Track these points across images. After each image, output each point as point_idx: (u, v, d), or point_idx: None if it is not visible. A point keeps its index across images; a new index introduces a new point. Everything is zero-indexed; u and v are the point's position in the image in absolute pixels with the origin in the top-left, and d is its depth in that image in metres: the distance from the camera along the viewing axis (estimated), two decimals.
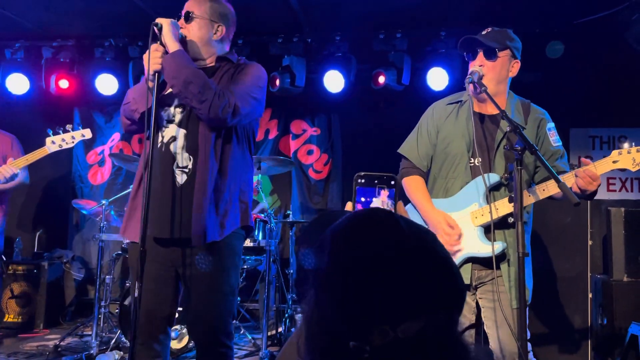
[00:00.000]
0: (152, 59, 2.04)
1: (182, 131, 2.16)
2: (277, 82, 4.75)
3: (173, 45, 2.09)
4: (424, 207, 2.30)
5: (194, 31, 2.22)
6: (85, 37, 5.01)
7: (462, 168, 2.28)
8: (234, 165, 2.20)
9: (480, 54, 2.26)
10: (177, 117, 2.18)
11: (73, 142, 2.97)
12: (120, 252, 4.24)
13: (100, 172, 5.60)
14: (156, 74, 2.05)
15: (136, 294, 1.93)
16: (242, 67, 2.27)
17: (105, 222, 4.07)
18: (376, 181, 0.93)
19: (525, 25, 4.30)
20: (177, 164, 2.15)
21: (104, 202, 4.11)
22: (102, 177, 5.58)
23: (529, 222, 2.35)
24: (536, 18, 4.30)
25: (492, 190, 2.23)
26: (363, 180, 0.92)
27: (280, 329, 4.27)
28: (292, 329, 4.30)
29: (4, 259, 4.82)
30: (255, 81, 2.24)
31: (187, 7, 2.26)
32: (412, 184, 2.41)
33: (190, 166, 2.14)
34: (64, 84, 5.00)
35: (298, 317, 4.34)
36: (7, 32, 4.90)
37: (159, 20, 2.10)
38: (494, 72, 2.25)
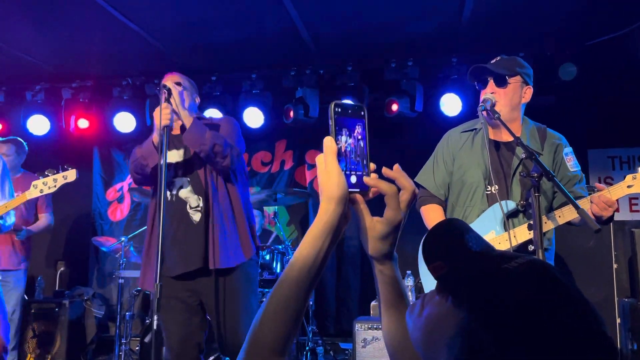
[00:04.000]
0: (163, 116, 2.32)
1: (186, 179, 2.51)
2: (291, 113, 4.80)
3: (185, 114, 2.42)
4: None
5: (184, 96, 2.55)
6: (103, 77, 5.14)
7: (478, 196, 2.27)
8: (237, 196, 2.54)
9: (491, 82, 2.27)
10: (182, 167, 2.52)
11: (55, 186, 2.70)
12: (140, 288, 4.25)
13: (119, 208, 5.66)
14: (165, 128, 2.30)
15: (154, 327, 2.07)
16: (220, 123, 2.64)
17: (124, 259, 4.10)
18: (350, 111, 0.88)
19: (537, 48, 4.31)
20: (190, 205, 2.48)
21: (123, 238, 4.15)
22: (121, 214, 5.64)
23: (551, 248, 2.31)
24: (548, 41, 4.30)
25: (510, 218, 2.20)
26: (340, 110, 0.87)
27: None
28: None
29: (26, 298, 4.87)
30: (238, 132, 2.66)
31: (173, 78, 2.61)
32: (430, 213, 2.40)
33: (201, 204, 2.47)
34: (83, 123, 5.10)
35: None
36: (27, 76, 5.05)
37: (167, 84, 2.43)
38: (506, 98, 2.25)
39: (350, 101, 0.89)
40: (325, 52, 4.64)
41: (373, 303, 4.00)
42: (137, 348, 3.89)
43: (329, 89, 4.90)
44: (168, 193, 2.49)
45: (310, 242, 0.84)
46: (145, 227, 4.32)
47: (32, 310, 4.70)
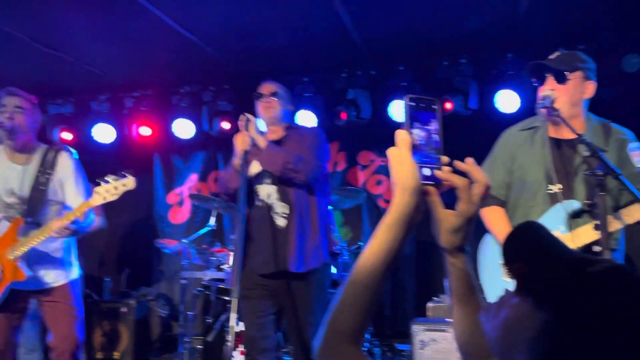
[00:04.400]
0: (243, 142, 2.64)
1: (274, 187, 2.74)
2: (343, 115, 4.83)
3: (261, 139, 2.67)
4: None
5: (277, 105, 2.85)
6: (162, 86, 5.34)
7: (540, 196, 2.21)
8: (315, 204, 2.76)
9: (550, 78, 2.20)
10: (269, 177, 2.75)
11: (117, 193, 2.66)
12: (201, 288, 4.39)
13: (180, 212, 5.87)
14: (245, 152, 2.63)
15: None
16: (305, 133, 2.88)
17: (187, 261, 4.25)
18: (422, 104, 0.89)
19: (598, 40, 4.14)
20: (276, 212, 2.72)
21: (184, 241, 4.30)
22: (182, 217, 5.84)
23: (619, 248, 2.22)
24: (609, 32, 4.12)
25: (574, 218, 2.13)
26: (414, 103, 0.88)
27: None
28: None
29: (95, 298, 5.13)
30: (320, 143, 2.85)
31: (270, 87, 2.87)
32: (491, 215, 2.36)
33: (287, 211, 2.70)
34: (145, 130, 5.32)
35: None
36: (93, 87, 5.33)
37: (247, 115, 2.70)
38: (567, 95, 2.18)
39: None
40: (376, 53, 4.64)
41: (429, 304, 3.96)
42: (200, 346, 4.02)
43: (380, 89, 4.89)
44: (256, 198, 2.78)
45: (384, 232, 0.86)
46: (205, 229, 4.51)
47: (101, 310, 4.95)
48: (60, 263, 2.86)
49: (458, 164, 0.91)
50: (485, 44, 4.38)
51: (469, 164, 0.91)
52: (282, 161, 2.64)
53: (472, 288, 0.96)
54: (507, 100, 4.41)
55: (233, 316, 2.22)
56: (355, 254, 4.72)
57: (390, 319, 5.13)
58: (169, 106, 5.32)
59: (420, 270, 5.11)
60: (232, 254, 4.10)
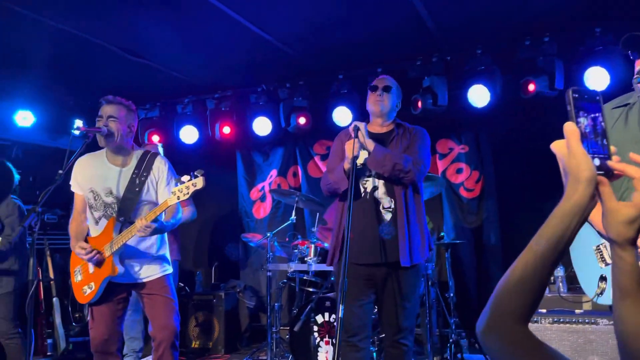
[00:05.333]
0: (353, 149, 2.67)
1: (381, 181, 2.82)
2: (419, 104, 4.76)
3: (370, 143, 2.76)
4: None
5: (387, 101, 2.92)
6: (241, 86, 5.54)
7: None
8: (420, 202, 2.88)
9: None
10: (374, 171, 2.82)
11: (188, 194, 2.75)
12: (285, 280, 4.51)
13: (262, 207, 6.06)
14: (354, 158, 2.67)
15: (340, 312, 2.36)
16: (414, 134, 2.93)
17: (271, 253, 4.39)
18: (586, 96, 0.90)
19: None
20: (383, 206, 2.81)
21: (268, 234, 4.44)
22: (264, 212, 6.04)
23: None
24: None
25: None
26: (577, 95, 0.90)
27: (446, 355, 4.16)
28: (458, 355, 4.17)
29: (188, 290, 5.43)
30: (427, 145, 2.94)
31: (385, 81, 2.96)
32: None
33: (392, 206, 2.80)
34: (226, 130, 5.55)
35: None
36: (177, 91, 5.62)
37: (357, 124, 2.77)
38: None
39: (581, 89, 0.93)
40: (451, 39, 4.52)
41: None
42: (287, 337, 4.14)
43: (457, 75, 4.77)
44: (362, 190, 2.84)
45: (559, 220, 0.87)
46: (287, 223, 4.63)
47: (194, 302, 5.23)
48: (153, 259, 3.05)
49: (633, 156, 0.92)
50: (570, 19, 4.14)
51: None
52: (391, 163, 2.71)
53: None
54: (596, 78, 4.15)
55: (340, 307, 2.30)
56: (437, 245, 4.65)
57: (477, 310, 4.99)
58: (247, 105, 5.50)
59: (506, 260, 4.93)
60: (313, 246, 4.18)
